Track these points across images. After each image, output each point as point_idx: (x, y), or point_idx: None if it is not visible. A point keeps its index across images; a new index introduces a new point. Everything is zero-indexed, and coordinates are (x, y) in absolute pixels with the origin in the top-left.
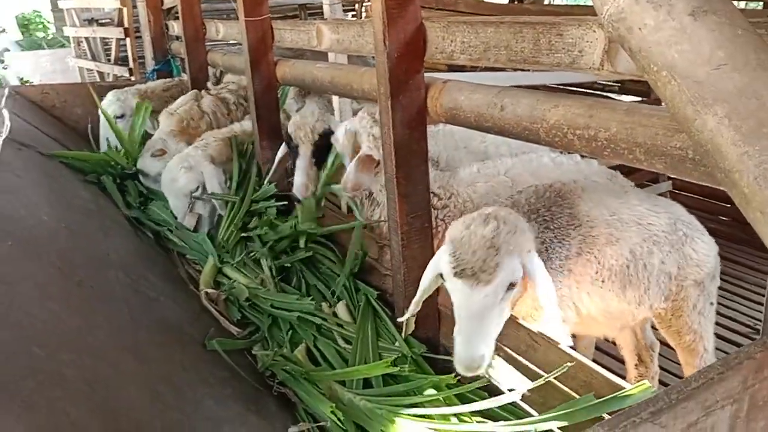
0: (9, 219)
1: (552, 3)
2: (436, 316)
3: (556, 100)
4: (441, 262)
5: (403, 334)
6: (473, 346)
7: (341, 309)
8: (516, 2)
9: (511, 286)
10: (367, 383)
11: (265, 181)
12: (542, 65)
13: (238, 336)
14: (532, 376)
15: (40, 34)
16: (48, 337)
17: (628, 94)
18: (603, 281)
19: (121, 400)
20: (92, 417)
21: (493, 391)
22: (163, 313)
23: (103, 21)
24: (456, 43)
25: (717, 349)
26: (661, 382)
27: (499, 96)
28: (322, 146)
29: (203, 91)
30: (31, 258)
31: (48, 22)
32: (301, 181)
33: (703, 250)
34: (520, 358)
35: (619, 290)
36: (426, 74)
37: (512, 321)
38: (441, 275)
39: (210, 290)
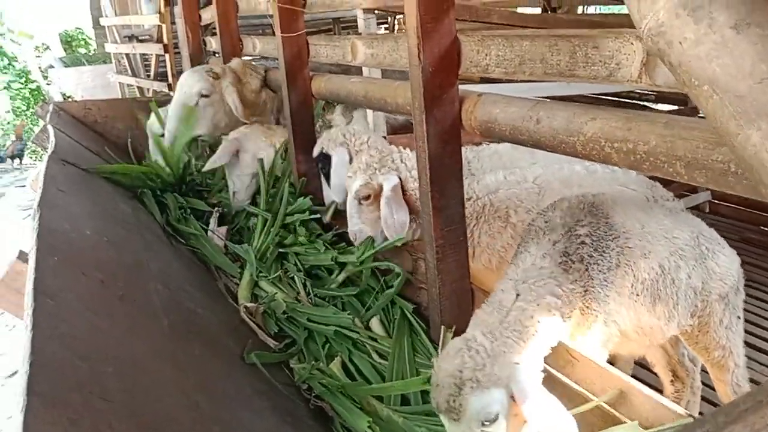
0: (54, 233)
1: (585, 12)
2: None
3: (593, 113)
4: None
5: (439, 350)
6: None
7: (375, 323)
8: (550, 12)
9: (489, 421)
10: (404, 399)
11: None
12: (579, 78)
13: (275, 349)
14: (571, 392)
15: (82, 51)
16: (92, 350)
17: (665, 103)
18: (637, 295)
19: (161, 411)
20: (133, 428)
21: None
22: (202, 325)
23: (143, 37)
24: (491, 57)
25: (755, 361)
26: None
27: (534, 109)
28: (325, 170)
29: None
30: (75, 272)
31: (90, 38)
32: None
33: (726, 263)
34: (558, 375)
35: (650, 305)
36: (461, 87)
37: None
38: None
39: (249, 304)
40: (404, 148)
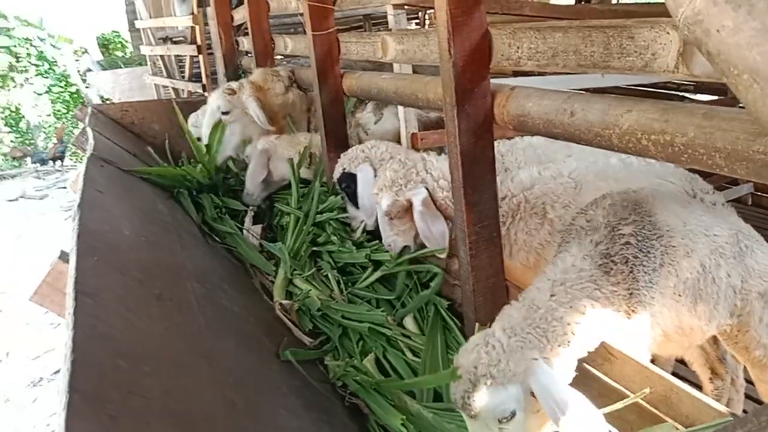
0: (94, 234)
1: (620, 2)
2: None
3: (629, 105)
4: None
5: None
6: None
7: (409, 320)
8: (583, 2)
9: (506, 418)
10: (437, 396)
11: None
12: (613, 69)
13: (310, 346)
14: (609, 390)
15: (119, 54)
16: (130, 348)
17: (704, 93)
18: (679, 295)
19: (197, 409)
20: (171, 425)
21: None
22: (238, 323)
23: (177, 39)
24: (523, 50)
25: None
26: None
27: (568, 102)
28: (350, 190)
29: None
30: (114, 272)
31: (126, 41)
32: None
33: (765, 260)
34: (595, 372)
35: (691, 305)
36: (492, 81)
37: None
38: None
39: (284, 301)
40: (428, 154)
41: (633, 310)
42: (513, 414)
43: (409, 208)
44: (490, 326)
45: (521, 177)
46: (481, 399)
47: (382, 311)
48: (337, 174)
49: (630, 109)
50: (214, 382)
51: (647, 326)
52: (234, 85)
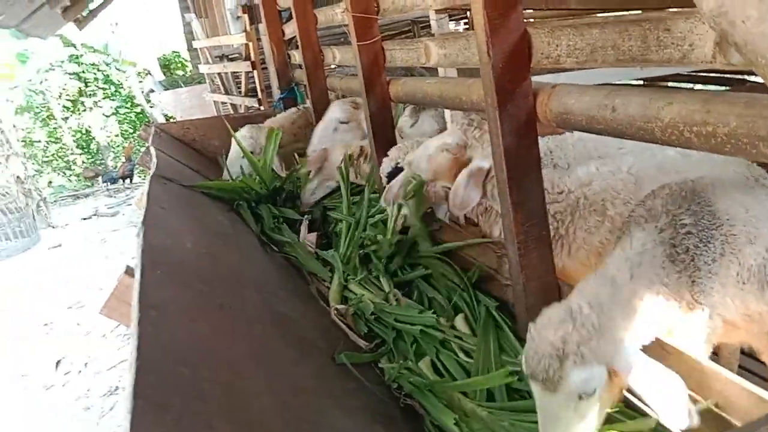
0: (158, 249)
1: None
2: None
3: (670, 97)
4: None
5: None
6: None
7: (459, 321)
8: None
9: (587, 395)
10: (490, 396)
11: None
12: (652, 62)
13: (365, 349)
14: None
15: (180, 73)
16: (192, 356)
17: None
18: (744, 283)
19: (255, 411)
20: (230, 426)
21: (633, 406)
22: (295, 329)
23: (233, 56)
24: (562, 47)
25: None
26: None
27: (609, 97)
28: None
29: None
30: (177, 283)
31: (186, 60)
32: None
33: None
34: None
35: (758, 291)
36: (534, 79)
37: None
38: None
39: (339, 306)
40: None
41: (696, 300)
42: (594, 392)
43: (459, 165)
44: None
45: (578, 173)
46: (567, 375)
47: (432, 312)
48: (388, 168)
49: (671, 101)
50: (272, 386)
51: (705, 316)
52: (358, 100)
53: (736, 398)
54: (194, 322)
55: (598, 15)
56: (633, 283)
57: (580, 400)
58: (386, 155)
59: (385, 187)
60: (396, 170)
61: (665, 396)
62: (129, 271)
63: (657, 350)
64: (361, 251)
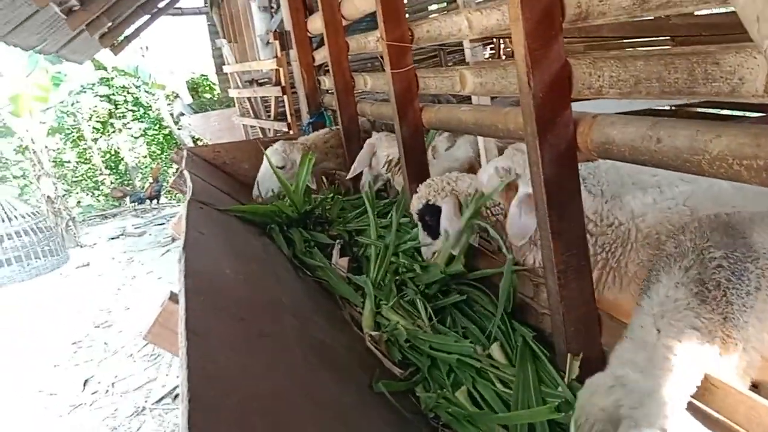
0: (199, 275)
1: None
2: (601, 359)
3: (719, 130)
4: None
5: (566, 379)
6: None
7: (495, 350)
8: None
9: None
10: (530, 429)
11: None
12: (699, 95)
13: (400, 377)
14: (711, 422)
15: (207, 96)
16: (237, 386)
17: None
18: None
19: None
20: None
21: None
22: (332, 356)
23: (262, 81)
24: (604, 78)
25: None
26: None
27: (654, 128)
28: (432, 223)
29: None
30: (219, 310)
31: (214, 84)
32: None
33: None
34: (696, 402)
35: None
36: (575, 109)
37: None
38: None
39: (373, 332)
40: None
41: (728, 335)
42: None
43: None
44: (581, 356)
45: (631, 204)
46: None
47: (469, 342)
48: (419, 206)
49: (719, 134)
50: (315, 417)
51: (739, 350)
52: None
53: None
54: (237, 352)
55: (638, 45)
56: (663, 338)
57: None
58: (416, 191)
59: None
60: (427, 207)
61: None
62: (173, 297)
63: (703, 383)
64: (397, 278)
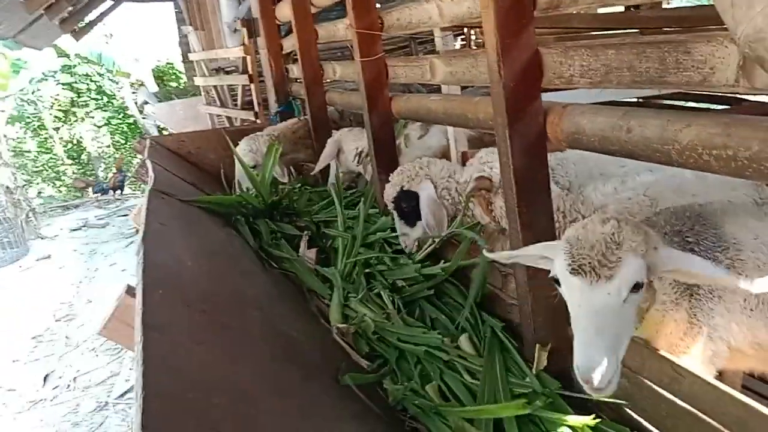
0: (159, 267)
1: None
2: (569, 349)
3: (688, 119)
4: (556, 263)
5: (534, 369)
6: (593, 353)
7: (464, 342)
8: (632, 9)
9: (637, 287)
10: (497, 421)
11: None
12: (670, 85)
13: (368, 369)
14: (678, 410)
15: (173, 84)
16: (198, 380)
17: None
18: (752, 310)
19: None
20: None
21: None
22: (297, 348)
23: (229, 69)
24: (575, 67)
25: None
26: None
27: (624, 118)
28: (409, 209)
29: None
30: (179, 304)
31: (180, 72)
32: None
33: None
34: (663, 392)
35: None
36: (544, 99)
37: (654, 352)
38: (555, 280)
39: (341, 325)
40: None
41: (694, 316)
42: (640, 287)
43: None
44: (549, 347)
45: (592, 197)
46: (626, 257)
47: (437, 332)
48: (393, 193)
49: (689, 123)
50: (281, 410)
51: (703, 337)
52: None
53: (752, 422)
54: (199, 344)
55: (609, 35)
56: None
57: (631, 293)
58: (386, 180)
59: (388, 208)
60: (403, 194)
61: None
62: (130, 291)
63: (669, 372)
64: (367, 270)
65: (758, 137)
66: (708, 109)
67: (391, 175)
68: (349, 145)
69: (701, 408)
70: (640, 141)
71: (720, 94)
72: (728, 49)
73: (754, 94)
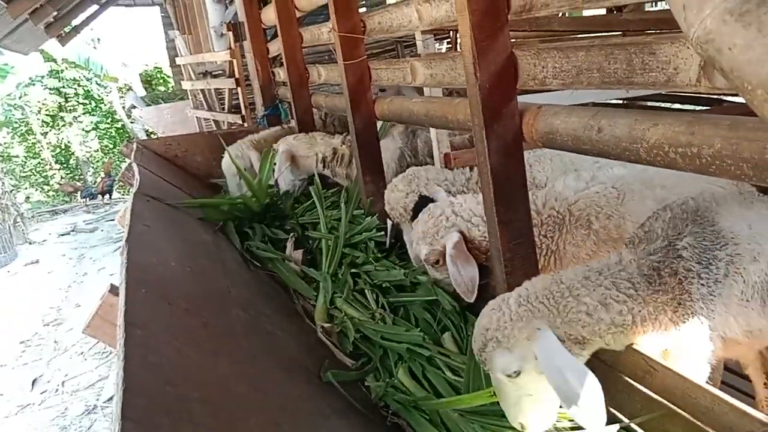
0: (142, 268)
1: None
2: None
3: (655, 119)
4: None
5: None
6: (511, 417)
7: (447, 340)
8: (615, 12)
9: (514, 374)
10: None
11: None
12: (637, 85)
13: (351, 367)
14: (651, 402)
15: (161, 88)
16: (179, 376)
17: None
18: (747, 300)
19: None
20: None
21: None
22: (281, 347)
23: (216, 73)
24: (548, 69)
25: None
26: None
27: (595, 118)
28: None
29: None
30: (162, 302)
31: (168, 76)
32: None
33: None
34: (637, 385)
35: (760, 307)
36: (520, 100)
37: (628, 347)
38: None
39: (325, 324)
40: (455, 196)
41: (681, 321)
42: (518, 373)
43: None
44: None
45: (564, 192)
46: (490, 358)
47: (420, 331)
48: (411, 203)
49: (656, 122)
50: (260, 407)
51: (703, 337)
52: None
53: (722, 413)
54: (181, 342)
55: (583, 38)
56: (580, 283)
57: (509, 378)
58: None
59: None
60: (423, 200)
61: (585, 397)
62: (113, 290)
63: (643, 367)
64: (353, 270)
65: (720, 135)
66: (678, 110)
67: (395, 185)
68: (306, 152)
69: (673, 400)
70: (610, 140)
71: (705, 96)
72: (690, 50)
73: (717, 95)
